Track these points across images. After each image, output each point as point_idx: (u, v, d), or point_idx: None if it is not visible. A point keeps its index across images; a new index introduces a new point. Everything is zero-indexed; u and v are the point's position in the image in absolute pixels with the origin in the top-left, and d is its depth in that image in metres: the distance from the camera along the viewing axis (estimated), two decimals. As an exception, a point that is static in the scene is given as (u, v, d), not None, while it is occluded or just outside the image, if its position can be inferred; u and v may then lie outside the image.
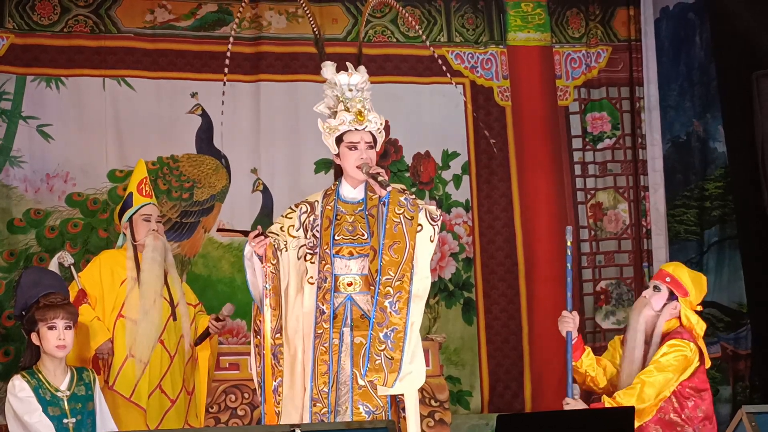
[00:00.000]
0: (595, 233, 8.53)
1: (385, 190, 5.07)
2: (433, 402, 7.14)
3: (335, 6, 8.32)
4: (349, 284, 5.19)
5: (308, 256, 5.26)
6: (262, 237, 5.07)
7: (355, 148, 5.23)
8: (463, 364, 8.23)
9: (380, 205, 5.11)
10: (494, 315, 8.30)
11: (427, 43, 6.45)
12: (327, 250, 5.21)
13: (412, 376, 5.08)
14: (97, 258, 6.48)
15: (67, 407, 5.35)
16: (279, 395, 5.12)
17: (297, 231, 5.28)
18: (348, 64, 5.33)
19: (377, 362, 4.99)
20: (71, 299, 5.90)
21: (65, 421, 5.31)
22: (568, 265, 5.86)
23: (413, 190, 8.28)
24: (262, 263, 5.09)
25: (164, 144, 8.02)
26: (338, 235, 5.23)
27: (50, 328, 5.38)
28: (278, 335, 5.13)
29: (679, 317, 5.64)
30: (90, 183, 7.74)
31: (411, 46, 8.43)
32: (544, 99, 8.59)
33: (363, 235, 5.23)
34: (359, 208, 5.28)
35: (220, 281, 7.98)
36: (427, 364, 7.06)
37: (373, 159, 5.26)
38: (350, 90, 5.27)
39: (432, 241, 5.14)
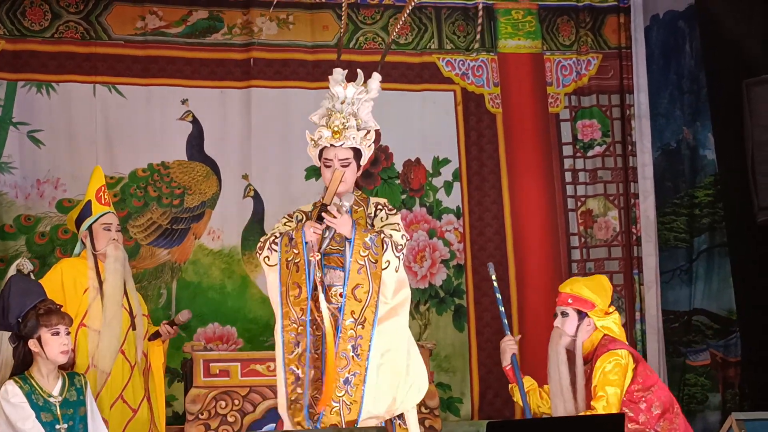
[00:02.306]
0: (585, 240, 8.53)
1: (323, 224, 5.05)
2: (423, 409, 7.12)
3: (326, 13, 8.32)
4: (341, 295, 5.13)
5: None
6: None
7: (329, 165, 5.24)
8: (453, 370, 8.22)
9: (346, 243, 5.09)
10: (485, 322, 8.29)
11: (391, 39, 6.43)
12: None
13: (414, 387, 5.14)
14: (57, 266, 6.44)
15: (59, 413, 5.34)
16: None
17: None
18: (359, 71, 5.31)
19: (335, 409, 4.99)
20: None
21: (57, 426, 5.31)
22: (498, 295, 5.95)
23: (403, 197, 8.29)
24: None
25: (155, 150, 8.01)
26: (328, 246, 5.22)
27: (54, 333, 5.38)
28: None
29: (597, 329, 5.62)
30: (80, 189, 7.68)
31: (402, 53, 8.43)
32: (535, 106, 8.60)
33: None
34: None
35: (211, 288, 7.96)
36: (418, 371, 7.07)
37: (349, 177, 5.24)
38: (342, 102, 5.26)
39: (397, 271, 5.12)
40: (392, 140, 8.34)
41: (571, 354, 5.61)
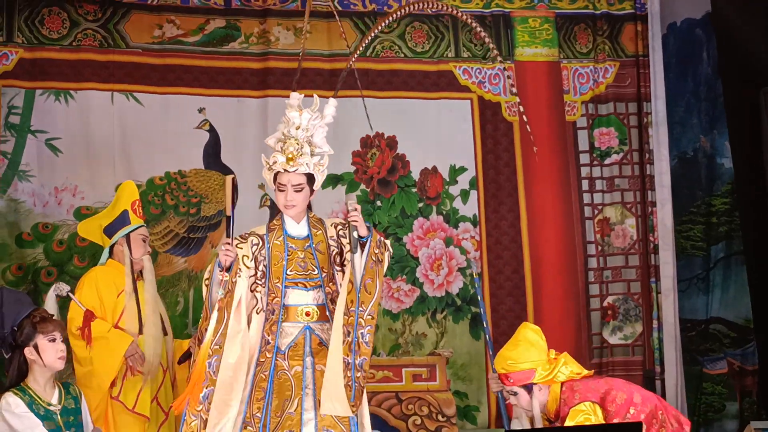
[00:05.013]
0: (602, 248, 8.51)
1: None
2: (440, 417, 7.13)
3: (343, 21, 8.30)
4: (308, 314, 5.38)
5: (258, 288, 5.41)
6: (231, 247, 5.26)
7: (283, 190, 5.41)
8: (470, 379, 8.20)
9: (356, 241, 5.25)
10: (502, 330, 8.26)
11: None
12: (278, 284, 5.38)
13: None
14: (90, 274, 6.51)
15: (60, 421, 5.35)
16: (209, 403, 5.20)
17: (250, 262, 5.43)
18: (316, 96, 5.49)
19: (353, 387, 5.16)
20: (80, 323, 6.01)
21: (60, 434, 5.33)
22: (482, 310, 6.03)
23: (420, 205, 8.29)
24: (221, 273, 5.27)
25: (172, 159, 8.03)
26: (291, 270, 5.41)
27: (51, 340, 5.40)
28: (216, 347, 5.25)
29: (551, 389, 5.49)
30: (98, 197, 7.73)
31: (418, 62, 8.44)
32: (552, 114, 8.59)
33: (314, 270, 5.43)
34: (306, 244, 5.47)
35: (228, 296, 7.96)
36: (435, 379, 7.08)
37: (301, 201, 5.43)
38: (297, 128, 5.42)
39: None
40: (409, 148, 8.35)
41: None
